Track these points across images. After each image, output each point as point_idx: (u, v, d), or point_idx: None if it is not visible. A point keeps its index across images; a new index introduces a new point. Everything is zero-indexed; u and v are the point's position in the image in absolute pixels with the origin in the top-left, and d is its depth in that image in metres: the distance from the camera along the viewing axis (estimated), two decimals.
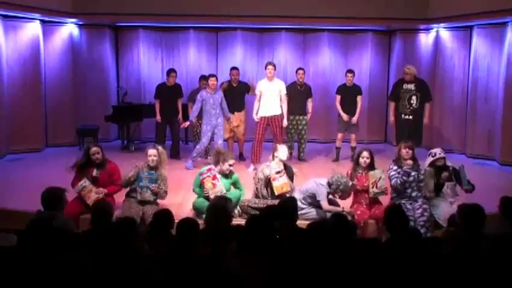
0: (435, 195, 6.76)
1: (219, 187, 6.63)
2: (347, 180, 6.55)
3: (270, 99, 9.46)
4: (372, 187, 6.62)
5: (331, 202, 6.66)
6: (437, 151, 6.79)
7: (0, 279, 3.71)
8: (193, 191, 6.92)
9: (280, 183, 6.69)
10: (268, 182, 6.80)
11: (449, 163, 6.86)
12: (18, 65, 10.80)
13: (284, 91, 9.54)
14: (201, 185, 6.74)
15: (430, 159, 6.77)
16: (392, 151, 10.69)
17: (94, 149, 6.71)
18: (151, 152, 6.71)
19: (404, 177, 6.56)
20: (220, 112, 9.61)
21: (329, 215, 5.92)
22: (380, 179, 6.62)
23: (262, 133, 9.57)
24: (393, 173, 6.70)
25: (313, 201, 6.65)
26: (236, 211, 6.78)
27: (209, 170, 6.72)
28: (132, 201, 6.62)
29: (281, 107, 9.55)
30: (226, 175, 6.88)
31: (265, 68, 9.55)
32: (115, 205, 6.72)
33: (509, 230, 4.88)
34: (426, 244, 4.63)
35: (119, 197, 6.91)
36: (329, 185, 6.56)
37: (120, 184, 6.79)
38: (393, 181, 6.67)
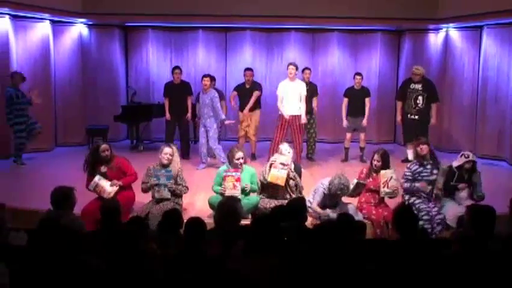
0: (446, 196, 6.78)
1: (237, 191, 6.61)
2: (344, 187, 6.45)
3: (290, 100, 9.42)
4: (383, 186, 6.59)
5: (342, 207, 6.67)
6: (470, 154, 6.76)
7: (12, 277, 3.75)
8: (212, 188, 6.91)
9: (277, 174, 6.69)
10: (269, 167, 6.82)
11: (479, 169, 6.86)
12: (28, 64, 10.86)
13: (304, 92, 9.50)
14: (220, 183, 6.75)
15: (463, 159, 6.70)
16: (401, 151, 10.74)
17: (104, 146, 6.76)
18: (167, 150, 6.74)
19: (411, 189, 6.64)
20: (209, 113, 9.58)
21: (333, 215, 5.95)
22: (391, 178, 6.60)
23: (283, 134, 9.53)
24: (408, 173, 6.73)
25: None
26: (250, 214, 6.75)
27: (236, 170, 6.75)
28: (154, 203, 6.62)
29: (300, 108, 9.53)
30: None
31: (287, 68, 9.53)
32: (135, 198, 6.92)
33: None
34: (435, 245, 4.63)
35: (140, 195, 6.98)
36: (329, 187, 6.55)
37: (135, 176, 6.85)
38: (402, 181, 6.70)
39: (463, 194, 6.76)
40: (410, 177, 6.69)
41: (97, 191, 6.59)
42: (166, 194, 6.62)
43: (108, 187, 6.58)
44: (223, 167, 6.99)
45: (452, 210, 6.51)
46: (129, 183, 6.83)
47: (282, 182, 6.68)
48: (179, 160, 6.97)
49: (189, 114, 10.39)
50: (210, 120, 9.57)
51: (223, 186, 6.65)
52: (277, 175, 6.68)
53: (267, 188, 6.87)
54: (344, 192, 6.46)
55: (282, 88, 9.48)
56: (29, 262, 3.83)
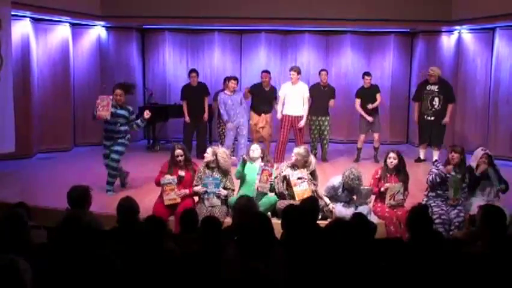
0: (471, 195, 6.87)
1: (268, 186, 6.77)
2: (356, 177, 6.57)
3: (293, 102, 9.68)
4: (390, 199, 6.69)
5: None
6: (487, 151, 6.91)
7: (35, 274, 3.87)
8: (235, 174, 7.06)
9: (301, 189, 6.71)
10: (287, 183, 6.87)
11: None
12: (48, 66, 11.11)
13: (307, 94, 9.74)
14: (243, 168, 6.93)
15: (480, 153, 6.87)
16: (414, 152, 10.81)
17: (178, 151, 6.85)
18: (207, 150, 6.93)
19: (437, 178, 6.63)
20: (242, 112, 9.81)
21: (348, 213, 6.05)
22: (398, 192, 6.70)
23: (287, 133, 9.75)
24: (434, 170, 6.74)
25: (333, 194, 6.84)
26: (269, 213, 6.77)
27: (271, 165, 6.91)
28: (203, 205, 6.69)
29: (302, 109, 9.74)
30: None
31: (289, 72, 9.77)
32: (195, 207, 6.71)
33: None
34: (447, 244, 4.65)
35: None
36: (343, 180, 6.68)
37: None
38: (428, 176, 6.74)
39: (489, 190, 6.82)
40: (436, 171, 6.71)
41: (164, 188, 6.65)
42: (216, 201, 6.68)
43: (173, 194, 6.64)
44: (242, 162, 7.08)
45: (477, 204, 6.55)
46: (194, 194, 6.90)
47: (309, 193, 6.71)
48: (229, 161, 7.01)
49: (206, 115, 10.55)
50: (243, 119, 9.82)
51: (258, 181, 6.74)
52: (302, 190, 6.71)
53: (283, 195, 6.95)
54: (355, 182, 6.56)
55: (284, 90, 9.72)
56: (51, 259, 3.88)
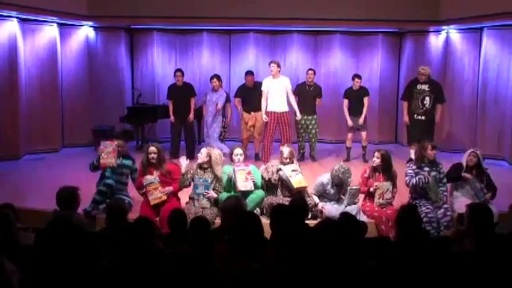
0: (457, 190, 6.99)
1: (250, 183, 6.70)
2: (346, 170, 6.67)
3: (276, 96, 9.65)
4: (379, 198, 6.74)
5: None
6: (477, 151, 7.01)
7: (22, 276, 3.85)
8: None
9: (298, 179, 6.78)
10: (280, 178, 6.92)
11: (485, 166, 7.02)
12: (35, 66, 11.03)
13: (289, 86, 9.75)
14: (230, 180, 6.83)
15: (467, 153, 7.01)
16: (403, 152, 10.85)
17: (151, 148, 6.84)
18: (201, 150, 6.92)
19: (420, 183, 6.66)
20: (214, 112, 10.01)
21: (337, 212, 6.05)
22: (387, 191, 6.75)
23: (273, 131, 9.73)
24: (410, 171, 6.78)
25: (322, 192, 6.89)
26: (257, 210, 6.81)
27: (246, 164, 6.89)
28: (192, 206, 6.67)
29: (289, 103, 9.75)
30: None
31: (269, 65, 9.79)
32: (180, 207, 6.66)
33: None
34: (435, 243, 4.69)
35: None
36: (333, 175, 6.75)
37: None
38: (407, 178, 6.75)
39: (475, 186, 6.87)
40: (413, 173, 6.76)
41: (147, 188, 6.60)
42: (205, 203, 6.67)
43: (157, 192, 6.60)
44: (227, 167, 7.06)
45: (464, 203, 6.61)
46: (177, 191, 6.88)
47: (305, 183, 6.83)
48: (221, 165, 6.99)
49: (191, 115, 10.52)
50: (213, 118, 9.88)
51: (237, 182, 6.68)
52: (298, 180, 6.79)
53: (272, 189, 7.00)
54: (346, 175, 6.64)
55: (266, 85, 9.71)
56: (39, 261, 3.89)
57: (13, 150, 10.37)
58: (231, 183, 6.83)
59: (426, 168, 6.78)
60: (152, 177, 6.65)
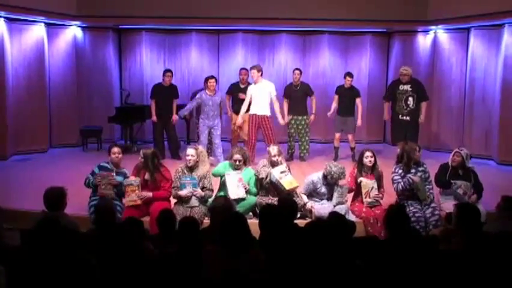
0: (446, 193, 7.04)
1: (241, 191, 6.68)
2: (339, 167, 6.66)
3: (258, 99, 9.62)
4: (365, 197, 6.76)
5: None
6: (463, 149, 7.08)
7: (9, 277, 3.83)
8: (213, 172, 6.98)
9: (288, 180, 6.78)
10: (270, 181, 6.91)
11: (470, 165, 7.06)
12: (23, 66, 10.95)
13: (274, 92, 9.71)
14: (222, 171, 6.85)
15: (453, 153, 7.09)
16: (391, 151, 10.85)
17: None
18: (189, 152, 6.76)
19: (407, 186, 6.66)
20: (218, 113, 9.84)
21: (326, 212, 6.06)
22: (372, 189, 6.77)
23: (255, 133, 9.71)
24: (397, 177, 6.77)
25: (312, 191, 6.89)
26: (250, 214, 6.81)
27: (253, 163, 6.89)
28: (181, 206, 6.61)
29: (272, 108, 9.72)
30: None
31: (249, 71, 9.81)
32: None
33: (510, 228, 4.98)
34: (424, 242, 4.70)
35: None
36: (325, 176, 6.73)
37: (169, 191, 6.73)
38: (395, 185, 6.77)
39: (456, 194, 6.91)
40: (400, 179, 6.76)
41: (126, 188, 6.53)
42: (194, 202, 6.62)
43: (133, 195, 6.50)
44: (226, 163, 7.01)
45: (452, 202, 6.62)
46: (160, 198, 6.66)
47: (296, 183, 6.82)
48: (207, 162, 6.97)
49: (174, 117, 10.44)
50: (217, 120, 9.80)
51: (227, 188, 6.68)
52: (289, 181, 6.78)
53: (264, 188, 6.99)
54: (338, 173, 6.60)
55: (250, 90, 9.69)
56: (26, 262, 3.87)
57: (0, 151, 10.29)
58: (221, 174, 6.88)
59: (412, 170, 6.78)
60: (134, 179, 6.59)
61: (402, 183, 6.69)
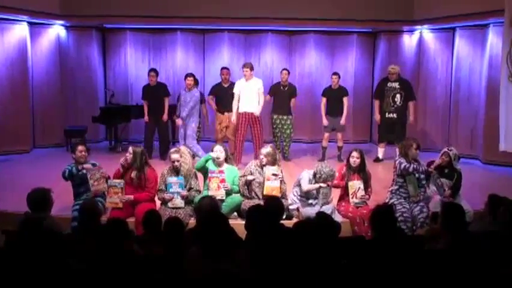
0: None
1: (221, 192, 6.65)
2: (330, 169, 6.65)
3: (248, 98, 9.56)
4: (352, 197, 6.75)
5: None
6: (453, 149, 7.10)
7: None
8: (196, 167, 6.93)
9: (271, 185, 6.70)
10: (248, 185, 6.88)
11: (458, 166, 7.07)
12: (5, 66, 10.83)
13: (262, 88, 9.66)
14: (203, 166, 6.82)
15: (441, 152, 7.10)
16: (377, 151, 10.89)
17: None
18: (173, 157, 6.67)
19: (409, 169, 6.69)
20: (192, 112, 9.74)
21: (313, 212, 6.04)
22: (358, 189, 6.76)
23: (244, 131, 9.66)
24: (402, 160, 6.79)
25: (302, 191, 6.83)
26: (235, 214, 6.79)
27: (220, 172, 6.77)
28: (166, 207, 6.54)
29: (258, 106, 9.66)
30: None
31: (242, 69, 9.72)
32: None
33: (495, 228, 4.99)
34: (410, 242, 4.73)
35: None
36: (314, 174, 6.70)
37: (153, 193, 6.68)
38: (397, 163, 6.80)
39: (436, 182, 7.01)
40: (403, 161, 6.78)
41: (108, 189, 6.48)
42: (179, 202, 6.55)
43: (115, 197, 6.44)
44: (208, 156, 6.93)
45: (437, 202, 6.71)
46: (142, 200, 6.57)
47: (277, 193, 6.66)
48: (190, 161, 6.89)
49: (165, 115, 10.41)
50: (189, 119, 9.68)
51: (208, 188, 6.68)
52: (272, 186, 6.70)
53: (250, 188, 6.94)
54: (328, 174, 6.59)
55: (238, 87, 9.62)
56: (9, 263, 3.83)
57: None
58: (204, 167, 6.85)
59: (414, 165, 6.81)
60: (118, 181, 6.53)
61: (405, 163, 6.70)
